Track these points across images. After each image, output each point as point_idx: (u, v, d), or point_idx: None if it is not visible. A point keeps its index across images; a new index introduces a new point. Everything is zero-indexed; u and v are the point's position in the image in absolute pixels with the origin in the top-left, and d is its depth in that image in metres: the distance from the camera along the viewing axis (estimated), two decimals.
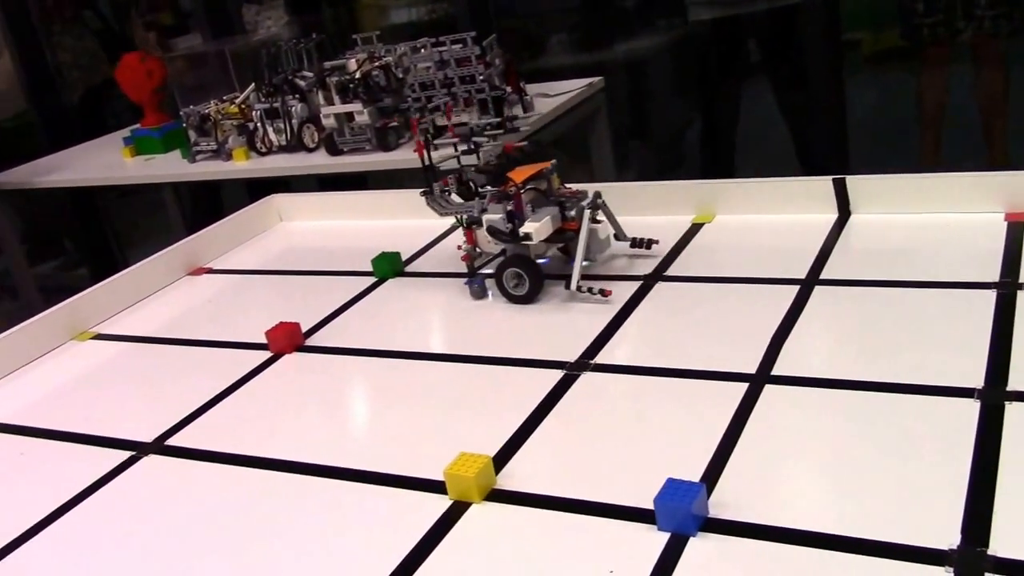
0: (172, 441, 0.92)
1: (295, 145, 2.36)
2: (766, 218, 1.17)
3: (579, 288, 1.04)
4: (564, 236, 1.09)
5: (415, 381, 0.97)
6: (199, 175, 2.51)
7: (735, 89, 2.95)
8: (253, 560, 0.73)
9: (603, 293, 1.03)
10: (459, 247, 1.14)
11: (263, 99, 2.38)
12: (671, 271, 1.09)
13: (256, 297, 1.29)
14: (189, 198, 3.37)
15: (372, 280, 1.22)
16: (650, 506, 0.67)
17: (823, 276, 1.01)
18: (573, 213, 1.08)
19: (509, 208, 1.05)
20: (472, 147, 1.16)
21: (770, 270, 1.04)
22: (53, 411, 1.04)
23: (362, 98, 2.16)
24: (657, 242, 1.14)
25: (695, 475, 0.71)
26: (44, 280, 2.91)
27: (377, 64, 2.18)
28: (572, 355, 0.93)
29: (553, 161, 1.10)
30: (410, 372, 0.98)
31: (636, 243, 1.14)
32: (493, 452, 0.78)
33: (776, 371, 0.84)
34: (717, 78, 3.03)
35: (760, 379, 0.83)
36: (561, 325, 1.02)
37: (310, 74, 2.34)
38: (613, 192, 1.28)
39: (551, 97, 2.36)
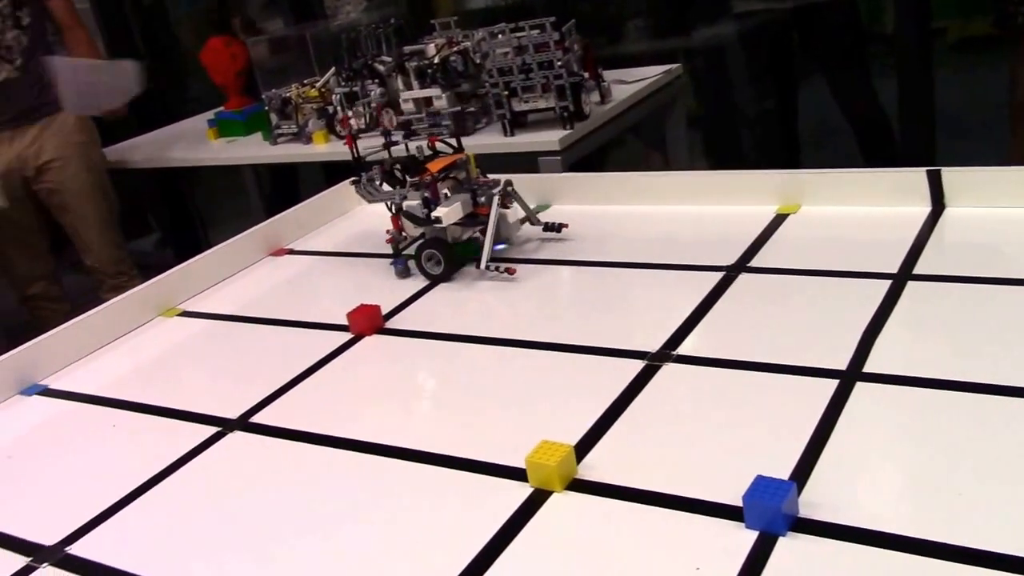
0: (256, 419, 0.93)
1: (373, 129, 2.37)
2: (854, 210, 1.15)
3: (487, 267, 1.14)
4: (478, 220, 1.19)
5: (495, 366, 0.97)
6: (279, 157, 2.55)
7: (820, 76, 2.89)
8: (331, 540, 0.73)
9: (508, 271, 1.13)
10: (387, 231, 1.23)
11: (343, 83, 2.40)
12: (755, 262, 1.07)
13: (336, 279, 1.30)
14: (268, 179, 3.42)
15: None
16: (737, 503, 0.66)
17: (916, 271, 0.98)
18: (484, 199, 1.18)
19: (425, 195, 1.16)
20: (391, 141, 1.25)
21: (859, 263, 1.01)
22: (143, 385, 1.07)
23: (440, 83, 2.16)
24: (567, 226, 1.23)
25: (784, 473, 0.70)
26: (134, 258, 2.97)
27: (455, 49, 2.18)
28: (653, 345, 0.92)
29: (466, 153, 1.21)
30: (491, 357, 0.98)
31: (548, 227, 1.23)
32: (574, 441, 0.78)
33: (868, 368, 0.82)
34: (797, 66, 2.96)
35: (851, 376, 0.81)
36: (640, 315, 1.02)
37: (389, 59, 2.35)
38: (694, 181, 1.27)
39: (628, 84, 2.34)
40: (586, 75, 2.12)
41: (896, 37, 2.57)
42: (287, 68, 2.70)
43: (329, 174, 2.59)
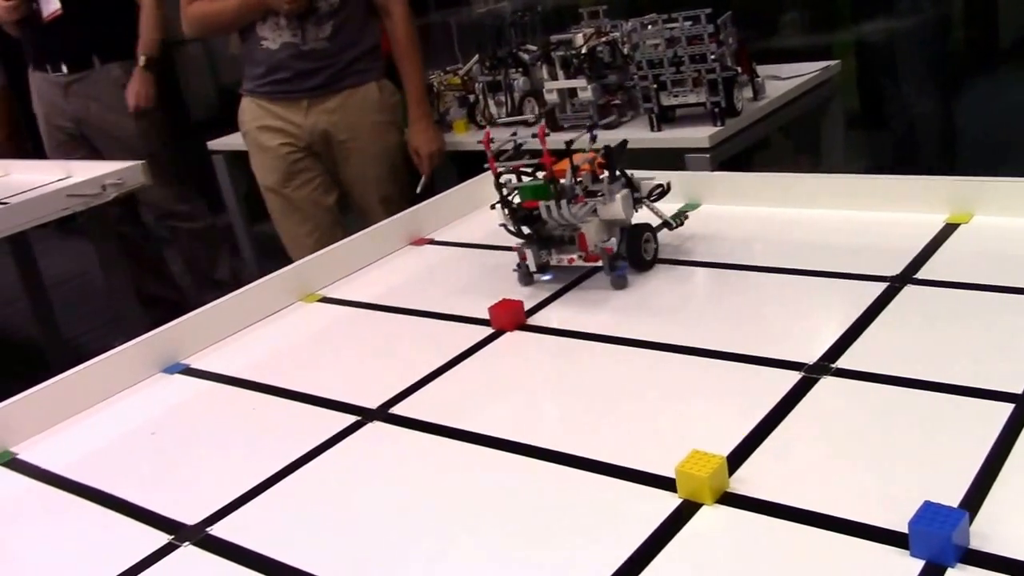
0: (396, 410, 0.93)
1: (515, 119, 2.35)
2: None
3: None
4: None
5: (641, 369, 0.94)
6: None
7: (988, 77, 2.73)
8: (465, 538, 0.72)
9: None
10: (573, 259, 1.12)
11: (486, 71, 2.39)
12: (921, 274, 1.01)
13: (477, 271, 1.28)
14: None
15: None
16: (901, 529, 0.62)
17: None
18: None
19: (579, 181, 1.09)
20: (518, 149, 1.16)
21: None
22: (283, 369, 1.08)
23: (586, 74, 2.13)
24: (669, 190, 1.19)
25: (953, 500, 0.65)
26: (260, 237, 3.03)
27: (604, 40, 2.15)
28: (810, 356, 0.87)
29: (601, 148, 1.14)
30: (636, 359, 0.95)
31: (651, 194, 1.17)
32: (726, 452, 0.74)
33: None
34: (969, 64, 2.81)
35: None
36: (795, 324, 0.97)
37: (534, 48, 2.33)
38: (854, 184, 1.21)
39: (783, 80, 2.26)
40: (739, 70, 2.05)
41: None
42: (429, 54, 2.71)
43: (467, 163, 2.59)
